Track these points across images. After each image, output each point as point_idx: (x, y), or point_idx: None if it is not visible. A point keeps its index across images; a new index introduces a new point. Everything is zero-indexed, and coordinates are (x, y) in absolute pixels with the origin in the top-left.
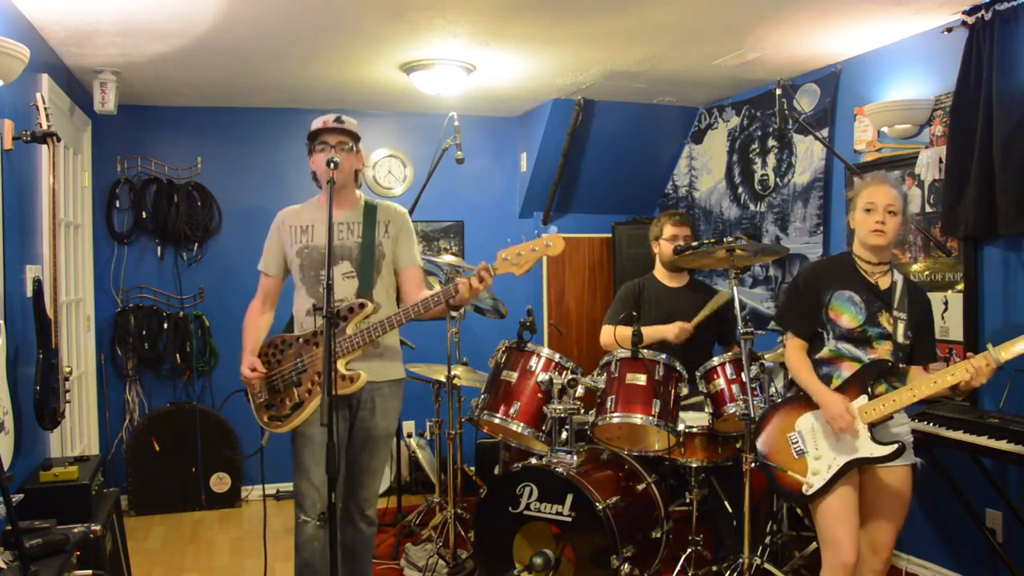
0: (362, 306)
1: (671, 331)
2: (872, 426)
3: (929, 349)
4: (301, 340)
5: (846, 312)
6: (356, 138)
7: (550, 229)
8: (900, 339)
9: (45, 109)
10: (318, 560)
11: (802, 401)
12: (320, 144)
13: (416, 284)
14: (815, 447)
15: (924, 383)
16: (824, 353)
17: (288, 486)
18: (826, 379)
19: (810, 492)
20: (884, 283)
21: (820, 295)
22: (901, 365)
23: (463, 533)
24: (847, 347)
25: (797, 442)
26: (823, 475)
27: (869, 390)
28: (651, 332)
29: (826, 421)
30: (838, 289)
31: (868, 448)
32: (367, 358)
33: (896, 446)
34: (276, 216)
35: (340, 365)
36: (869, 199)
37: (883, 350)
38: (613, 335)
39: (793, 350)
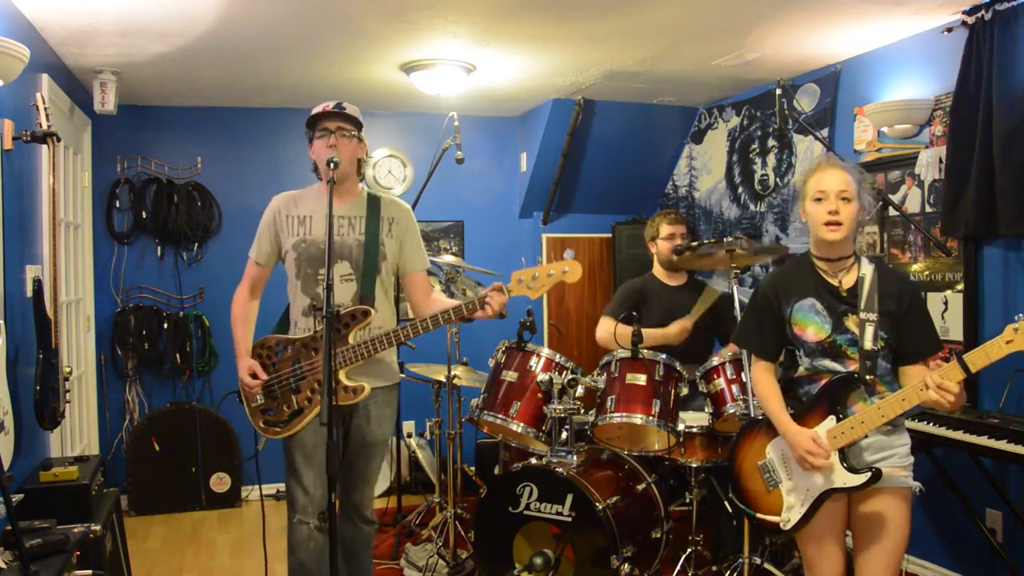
0: (365, 314)
1: (671, 332)
2: (842, 450)
3: (924, 342)
4: (299, 344)
5: (811, 324)
6: (358, 125)
7: (567, 254)
8: (867, 344)
9: (45, 109)
10: (313, 561)
11: (771, 424)
12: (320, 131)
13: (425, 290)
14: (787, 476)
15: (892, 401)
16: (801, 371)
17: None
18: (807, 398)
19: (788, 527)
20: (848, 280)
21: (780, 310)
22: (869, 377)
23: (463, 533)
24: (823, 362)
25: (768, 472)
26: (798, 509)
27: (838, 410)
28: (652, 335)
29: (797, 461)
30: (799, 299)
31: (841, 477)
32: (363, 365)
33: (869, 475)
34: (272, 201)
35: (342, 375)
36: (818, 186)
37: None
38: (613, 331)
39: (759, 375)
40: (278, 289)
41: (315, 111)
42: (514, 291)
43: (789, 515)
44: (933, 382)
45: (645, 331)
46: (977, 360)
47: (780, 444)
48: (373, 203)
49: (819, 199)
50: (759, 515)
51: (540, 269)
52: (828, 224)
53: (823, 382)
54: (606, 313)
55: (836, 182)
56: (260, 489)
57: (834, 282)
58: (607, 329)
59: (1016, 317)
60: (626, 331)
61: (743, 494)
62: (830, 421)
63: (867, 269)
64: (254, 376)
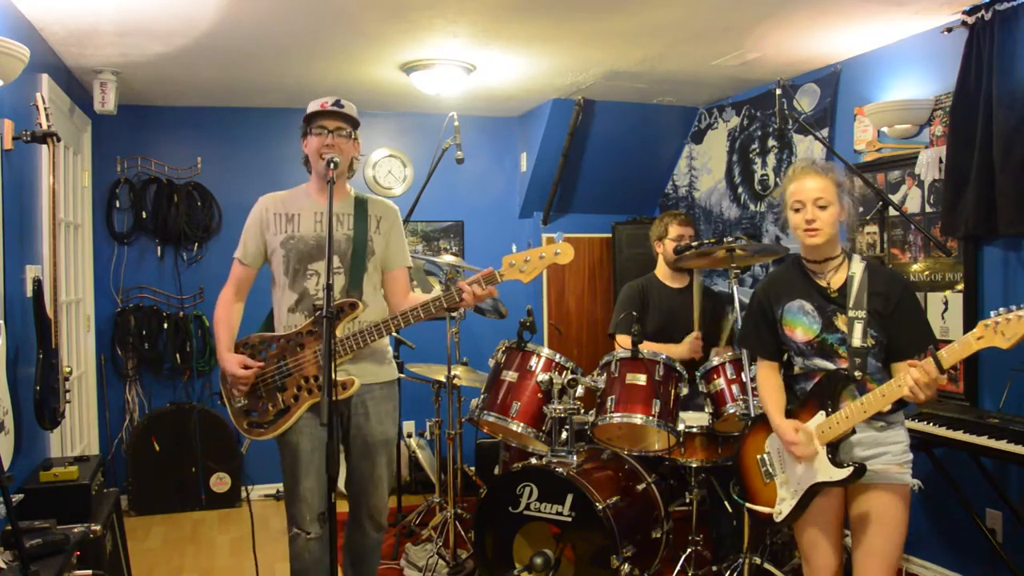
0: (353, 306)
1: (684, 349)
2: (832, 445)
3: (915, 338)
4: (283, 340)
5: (799, 325)
6: (355, 124)
7: (558, 237)
8: (856, 342)
9: (45, 109)
10: (311, 570)
11: None
12: (317, 128)
13: (404, 286)
14: (781, 470)
15: (873, 397)
16: (796, 370)
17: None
18: (801, 395)
19: (780, 519)
20: (837, 280)
21: (772, 311)
22: (858, 374)
23: (463, 533)
24: (815, 361)
25: (765, 466)
26: (789, 501)
27: (828, 406)
28: (663, 350)
29: (785, 449)
30: (788, 300)
31: (827, 471)
32: (356, 360)
33: (852, 469)
34: (258, 202)
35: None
36: (795, 196)
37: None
38: (624, 347)
39: (761, 372)
40: (261, 292)
41: (313, 108)
42: (506, 275)
43: (781, 507)
44: (909, 379)
45: (657, 346)
46: (949, 356)
47: (777, 439)
48: (360, 202)
49: (797, 209)
50: (750, 505)
51: (531, 252)
52: (807, 231)
53: (817, 379)
54: (612, 329)
55: (812, 190)
56: (248, 494)
57: (823, 283)
58: (619, 348)
59: (991, 313)
60: (627, 339)
61: (743, 486)
62: (820, 416)
63: (857, 268)
64: (245, 367)
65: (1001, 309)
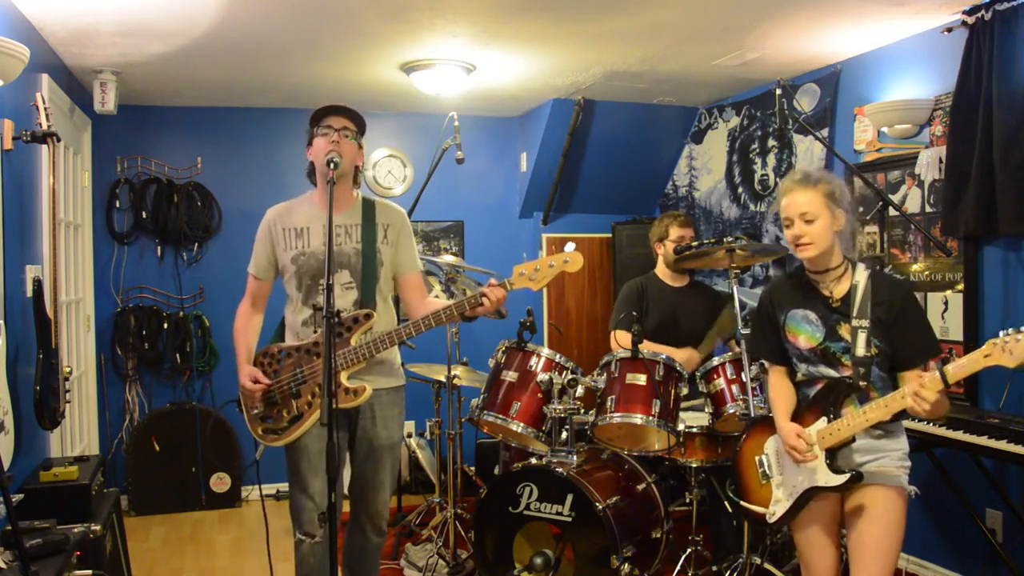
0: (368, 317)
1: (679, 356)
2: (831, 451)
3: (920, 347)
4: (301, 350)
5: (802, 332)
6: (362, 129)
7: (569, 247)
8: (860, 351)
9: (45, 109)
10: (319, 573)
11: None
12: (324, 128)
13: (419, 291)
14: (778, 472)
15: (875, 406)
16: (800, 377)
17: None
18: (804, 401)
19: (773, 520)
20: (841, 289)
21: (776, 318)
22: (862, 383)
23: (463, 533)
24: (819, 369)
25: (763, 467)
26: (784, 503)
27: (831, 412)
28: (659, 351)
29: (785, 451)
30: (792, 308)
31: (824, 476)
32: (366, 367)
33: (848, 476)
34: (266, 215)
35: (343, 377)
36: (784, 213)
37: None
38: (624, 343)
39: (771, 377)
40: (280, 301)
41: (320, 107)
42: (516, 284)
43: (775, 508)
44: (911, 390)
45: (653, 346)
46: (957, 372)
47: (777, 441)
48: (368, 209)
49: (787, 225)
50: (744, 503)
51: (541, 261)
52: (798, 246)
53: (819, 386)
54: (612, 326)
55: (798, 205)
56: (261, 490)
57: (825, 292)
58: (615, 343)
59: (1000, 333)
60: (627, 337)
61: (739, 485)
62: (822, 422)
63: (861, 276)
64: (256, 382)
65: (1011, 330)
